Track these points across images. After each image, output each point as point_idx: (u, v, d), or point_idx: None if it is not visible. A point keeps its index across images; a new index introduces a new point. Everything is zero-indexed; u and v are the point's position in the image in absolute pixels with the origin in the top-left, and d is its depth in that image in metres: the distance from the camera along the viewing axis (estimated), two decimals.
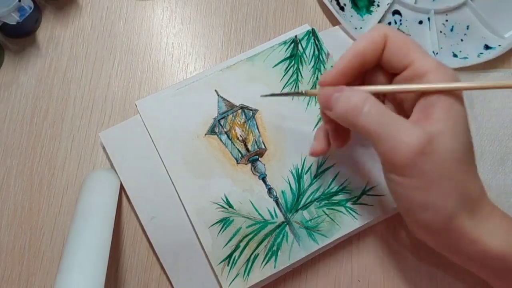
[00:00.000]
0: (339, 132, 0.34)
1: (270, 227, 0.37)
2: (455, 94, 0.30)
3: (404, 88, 0.31)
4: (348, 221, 0.38)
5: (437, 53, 0.43)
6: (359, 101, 0.30)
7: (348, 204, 0.38)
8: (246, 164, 0.38)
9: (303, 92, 0.35)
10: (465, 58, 0.44)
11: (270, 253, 0.36)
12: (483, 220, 0.30)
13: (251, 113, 0.39)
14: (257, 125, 0.39)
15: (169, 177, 0.37)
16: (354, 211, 0.38)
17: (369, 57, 0.32)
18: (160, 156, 0.37)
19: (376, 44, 0.32)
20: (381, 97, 0.34)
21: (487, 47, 0.44)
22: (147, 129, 0.38)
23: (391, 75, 0.33)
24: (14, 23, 0.37)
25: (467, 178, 0.30)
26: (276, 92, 0.39)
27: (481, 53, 0.44)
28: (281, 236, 0.37)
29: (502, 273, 0.31)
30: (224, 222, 0.37)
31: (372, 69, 0.33)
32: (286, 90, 0.40)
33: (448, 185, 0.29)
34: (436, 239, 0.32)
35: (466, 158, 0.30)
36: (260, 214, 0.37)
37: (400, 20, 0.44)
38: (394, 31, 0.32)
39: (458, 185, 0.29)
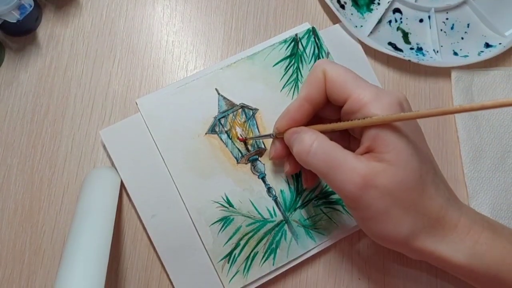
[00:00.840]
0: (310, 172, 0.34)
1: (269, 226, 0.37)
2: (396, 124, 0.29)
3: (347, 125, 0.31)
4: (346, 220, 0.38)
5: (437, 52, 0.43)
6: (307, 142, 0.31)
7: None
8: (246, 163, 0.38)
9: (272, 135, 0.35)
10: (466, 56, 0.44)
11: (269, 251, 0.37)
12: (445, 236, 0.30)
13: (251, 113, 0.39)
14: (257, 125, 0.39)
15: (170, 175, 0.37)
16: None
17: (316, 98, 0.33)
18: (161, 154, 0.38)
19: (318, 83, 0.32)
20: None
21: (487, 45, 0.44)
22: (147, 127, 0.38)
23: (340, 108, 0.32)
24: (15, 21, 0.37)
25: (421, 202, 0.29)
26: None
27: (482, 51, 0.44)
28: (279, 234, 0.37)
29: (475, 281, 0.31)
30: (225, 221, 0.37)
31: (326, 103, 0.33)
32: (285, 90, 0.40)
33: (398, 213, 0.29)
34: (406, 253, 0.32)
35: (417, 183, 0.29)
36: (259, 213, 0.37)
37: (401, 19, 0.44)
38: (331, 66, 0.32)
39: (410, 210, 0.29)
